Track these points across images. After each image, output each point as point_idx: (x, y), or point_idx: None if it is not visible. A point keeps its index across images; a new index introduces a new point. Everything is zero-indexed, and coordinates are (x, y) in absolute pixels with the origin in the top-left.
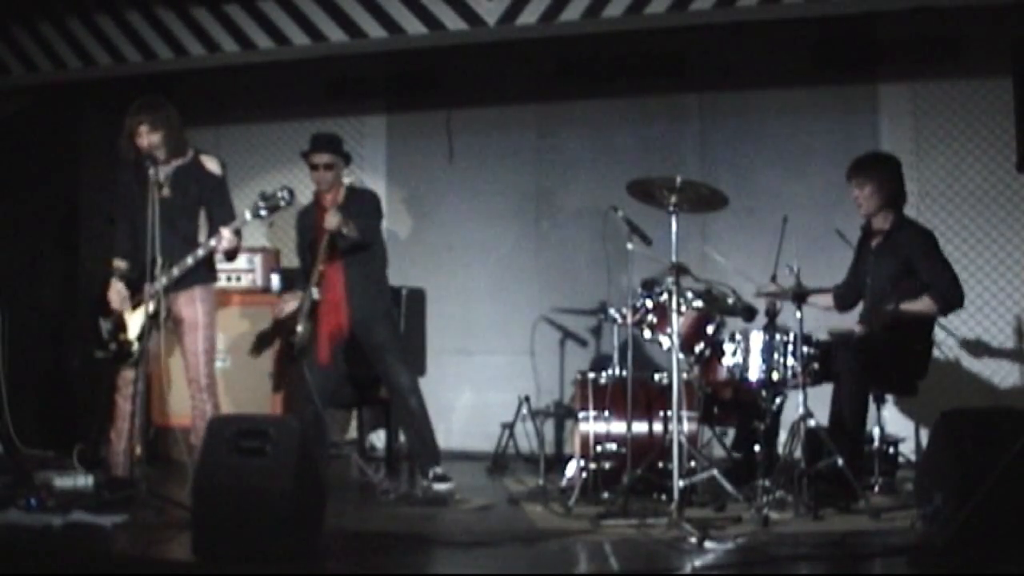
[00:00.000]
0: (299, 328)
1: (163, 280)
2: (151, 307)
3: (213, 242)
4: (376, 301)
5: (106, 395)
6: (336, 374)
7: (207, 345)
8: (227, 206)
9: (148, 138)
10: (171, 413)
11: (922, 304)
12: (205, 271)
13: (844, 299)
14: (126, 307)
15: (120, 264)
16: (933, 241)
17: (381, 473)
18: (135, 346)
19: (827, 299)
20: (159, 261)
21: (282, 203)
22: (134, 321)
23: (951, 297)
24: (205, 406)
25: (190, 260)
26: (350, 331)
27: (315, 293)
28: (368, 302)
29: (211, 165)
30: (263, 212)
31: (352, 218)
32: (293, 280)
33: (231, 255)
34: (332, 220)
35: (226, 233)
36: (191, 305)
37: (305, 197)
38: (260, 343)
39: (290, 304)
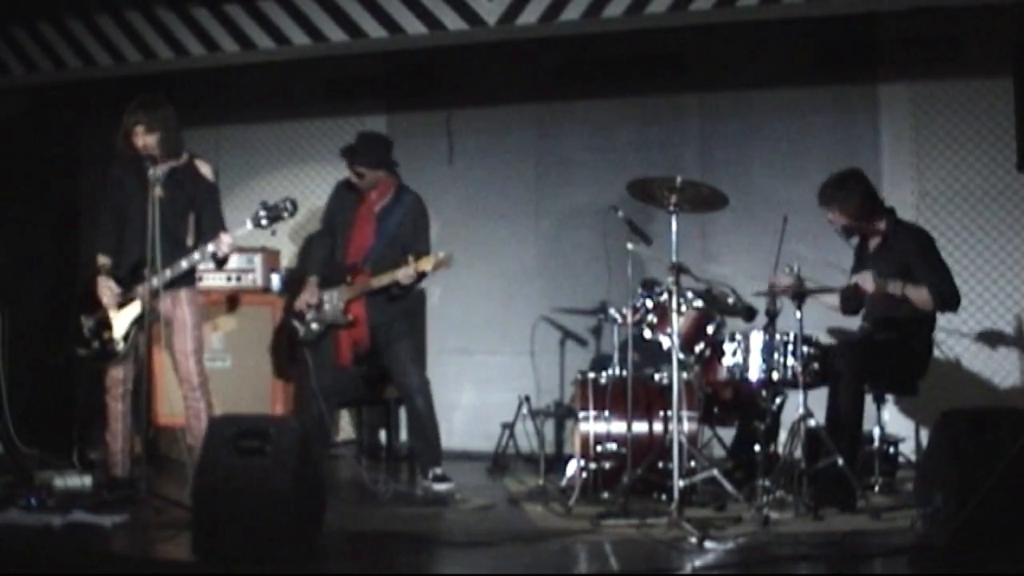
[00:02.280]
0: (313, 327)
1: (155, 281)
2: (142, 307)
3: (211, 247)
4: (393, 303)
5: (93, 395)
6: (348, 375)
7: (196, 345)
8: (217, 213)
9: (144, 139)
10: (170, 413)
11: (920, 293)
12: (189, 274)
13: (848, 303)
14: (113, 307)
15: (104, 260)
16: (930, 242)
17: (367, 468)
18: (121, 345)
19: (834, 299)
20: (157, 261)
21: (284, 215)
22: (120, 320)
23: (948, 297)
24: (199, 404)
25: (184, 264)
26: (371, 337)
27: (343, 318)
28: (386, 304)
29: (205, 169)
30: (264, 222)
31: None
32: (312, 261)
33: (221, 264)
34: (407, 279)
35: (227, 239)
36: (178, 306)
37: (307, 203)
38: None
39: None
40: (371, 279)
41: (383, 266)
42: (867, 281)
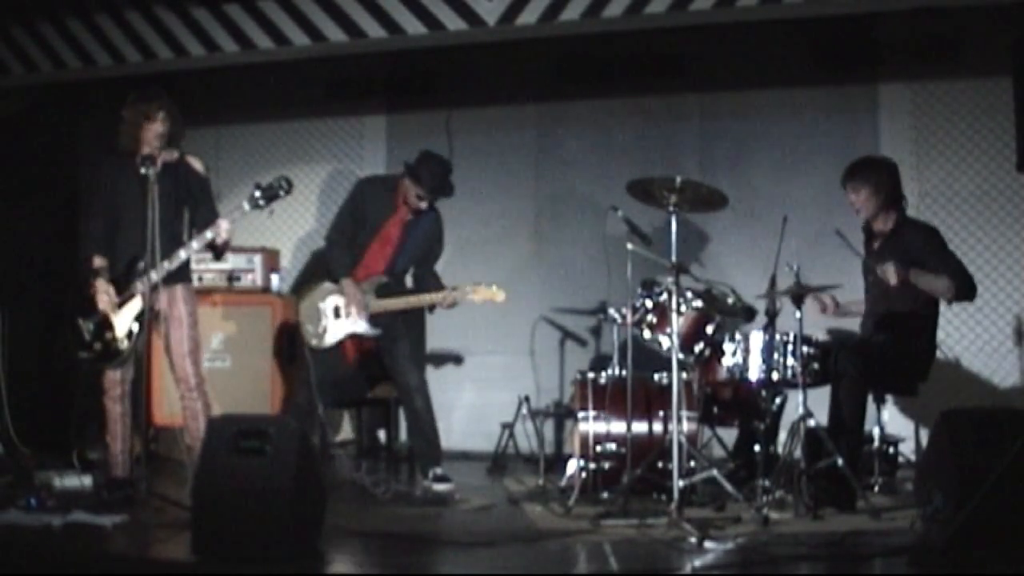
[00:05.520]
0: (333, 334)
1: (153, 276)
2: (141, 304)
3: (210, 233)
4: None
5: (91, 396)
6: (348, 374)
7: (192, 345)
8: (211, 207)
9: (162, 125)
10: (169, 413)
11: (939, 282)
12: (185, 271)
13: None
14: (113, 307)
15: (100, 262)
16: (938, 236)
17: (364, 470)
18: (124, 345)
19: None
20: (157, 256)
21: (280, 193)
22: (121, 319)
23: (965, 286)
24: (196, 405)
25: (183, 254)
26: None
27: (372, 330)
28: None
29: (197, 165)
30: (261, 203)
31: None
32: (343, 264)
33: (220, 252)
34: (448, 306)
35: (224, 224)
36: (174, 303)
37: (308, 203)
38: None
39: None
40: (404, 297)
41: (401, 280)
42: (890, 273)
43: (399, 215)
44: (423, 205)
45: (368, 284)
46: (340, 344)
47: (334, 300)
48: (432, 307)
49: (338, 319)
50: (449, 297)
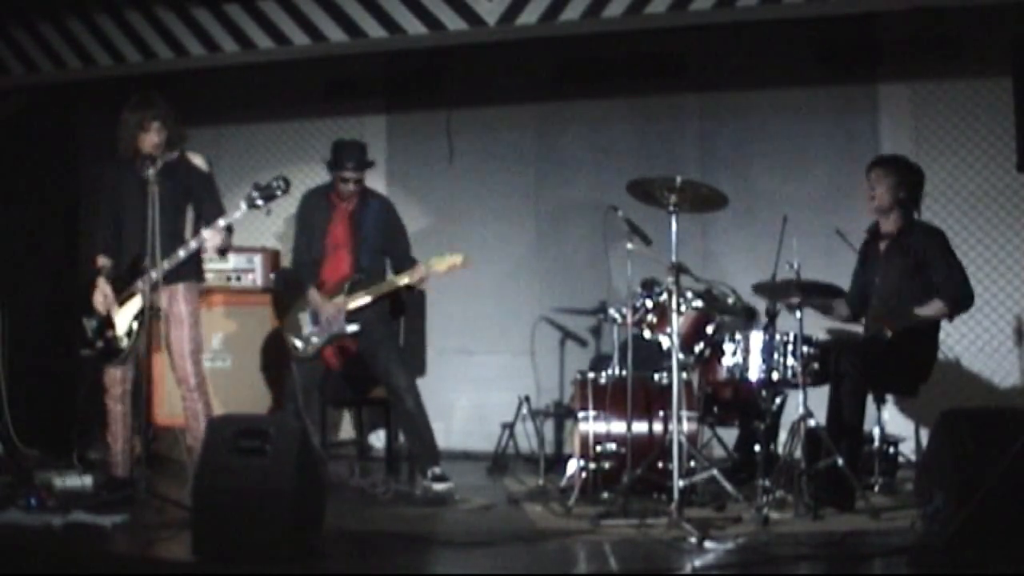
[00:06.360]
0: (314, 340)
1: (153, 275)
2: (140, 303)
3: (195, 244)
4: (371, 307)
5: (93, 395)
6: (321, 369)
7: (193, 345)
8: (216, 201)
9: (157, 135)
10: (170, 413)
11: (933, 308)
12: (190, 270)
13: (855, 307)
14: (112, 307)
15: (104, 261)
16: (945, 240)
17: (357, 474)
18: (124, 342)
19: (843, 307)
20: (157, 256)
21: (278, 192)
22: (122, 318)
23: (962, 299)
24: (196, 405)
25: (181, 253)
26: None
27: (348, 329)
28: (364, 309)
29: (198, 161)
30: (258, 202)
31: (378, 226)
32: (297, 273)
33: (223, 251)
34: (418, 282)
35: (207, 234)
36: (174, 302)
37: (303, 191)
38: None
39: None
40: (375, 286)
41: (374, 273)
42: (886, 330)
43: (340, 210)
44: (352, 186)
45: (339, 286)
46: (321, 351)
47: (312, 307)
48: (412, 287)
49: (318, 325)
50: (416, 274)
